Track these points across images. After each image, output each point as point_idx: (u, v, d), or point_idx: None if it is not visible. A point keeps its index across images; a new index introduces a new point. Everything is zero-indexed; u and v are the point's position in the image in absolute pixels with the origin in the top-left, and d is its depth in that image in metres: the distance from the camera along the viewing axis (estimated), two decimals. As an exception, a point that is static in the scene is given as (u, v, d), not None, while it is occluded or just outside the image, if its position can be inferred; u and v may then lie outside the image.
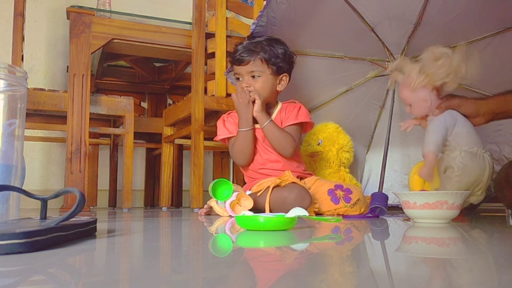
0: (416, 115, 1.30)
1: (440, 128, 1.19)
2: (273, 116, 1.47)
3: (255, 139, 1.44)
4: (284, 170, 1.37)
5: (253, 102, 1.40)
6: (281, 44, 1.45)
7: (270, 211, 1.26)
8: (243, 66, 1.43)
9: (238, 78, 1.46)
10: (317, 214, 1.37)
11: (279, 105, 1.50)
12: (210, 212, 1.40)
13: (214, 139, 1.53)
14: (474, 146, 1.17)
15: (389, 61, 1.62)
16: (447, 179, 1.17)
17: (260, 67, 1.42)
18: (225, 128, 1.48)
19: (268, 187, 1.29)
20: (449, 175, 1.16)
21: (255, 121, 1.42)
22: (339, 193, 1.40)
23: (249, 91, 1.40)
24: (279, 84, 1.46)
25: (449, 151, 1.19)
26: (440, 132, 1.18)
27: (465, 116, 1.24)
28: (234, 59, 1.45)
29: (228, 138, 1.49)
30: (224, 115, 1.53)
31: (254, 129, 1.43)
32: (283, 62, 1.45)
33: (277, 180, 1.30)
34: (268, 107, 1.47)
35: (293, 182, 1.30)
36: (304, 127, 1.51)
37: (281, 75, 1.46)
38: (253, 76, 1.43)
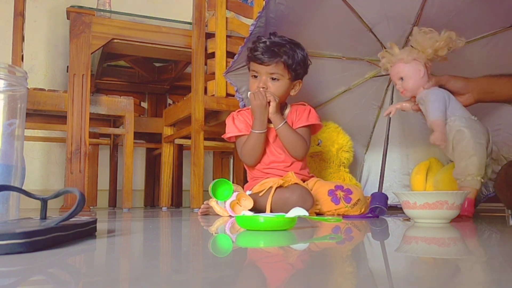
0: (405, 89, 1.31)
1: (440, 98, 1.23)
2: (285, 115, 1.47)
3: (266, 139, 1.43)
4: (288, 170, 1.37)
5: (268, 103, 1.38)
6: (302, 50, 1.43)
7: (271, 212, 1.26)
8: (264, 66, 1.39)
9: (255, 76, 1.42)
10: (318, 214, 1.37)
11: (288, 107, 1.50)
12: (208, 212, 1.40)
13: (222, 136, 1.52)
14: (470, 116, 1.23)
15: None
16: (465, 144, 1.16)
17: (281, 71, 1.39)
18: (234, 126, 1.46)
19: (271, 187, 1.29)
20: (465, 139, 1.17)
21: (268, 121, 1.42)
22: (340, 193, 1.40)
23: (265, 92, 1.38)
24: (292, 89, 1.45)
25: (450, 121, 1.22)
26: (442, 101, 1.23)
27: (455, 92, 1.28)
28: (256, 57, 1.39)
29: (236, 136, 1.47)
30: (233, 112, 1.51)
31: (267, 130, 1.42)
32: (302, 69, 1.43)
33: (280, 180, 1.29)
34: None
35: (296, 183, 1.30)
36: (312, 129, 1.51)
37: (296, 81, 1.45)
38: (272, 78, 1.40)
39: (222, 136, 1.52)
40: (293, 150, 1.42)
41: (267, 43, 1.39)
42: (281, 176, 1.36)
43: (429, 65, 1.30)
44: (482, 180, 1.15)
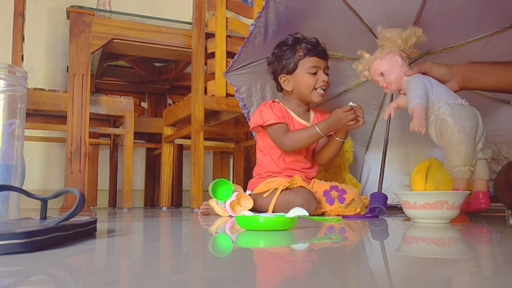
0: (389, 82, 1.31)
1: (420, 84, 1.21)
2: (311, 119, 1.50)
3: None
4: (307, 173, 1.44)
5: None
6: None
7: (273, 212, 1.26)
8: (323, 60, 1.44)
9: (314, 73, 1.42)
10: (318, 214, 1.37)
11: (312, 112, 1.53)
12: (208, 212, 1.40)
13: (261, 125, 1.44)
14: (457, 100, 1.18)
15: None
16: (449, 134, 1.11)
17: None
18: (274, 114, 1.42)
19: (276, 189, 1.29)
20: (448, 129, 1.12)
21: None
22: (334, 193, 1.40)
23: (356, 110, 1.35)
24: None
25: (436, 109, 1.17)
26: (421, 88, 1.20)
27: (438, 80, 1.27)
28: (319, 51, 1.43)
29: (272, 124, 1.42)
30: (267, 101, 1.48)
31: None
32: None
33: (286, 183, 1.29)
34: (306, 109, 1.51)
35: (301, 186, 1.30)
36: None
37: None
38: (326, 73, 1.44)
39: (261, 124, 1.43)
40: (328, 160, 1.49)
41: (316, 39, 1.45)
42: (291, 176, 1.36)
43: (404, 55, 1.33)
44: (471, 168, 1.13)
